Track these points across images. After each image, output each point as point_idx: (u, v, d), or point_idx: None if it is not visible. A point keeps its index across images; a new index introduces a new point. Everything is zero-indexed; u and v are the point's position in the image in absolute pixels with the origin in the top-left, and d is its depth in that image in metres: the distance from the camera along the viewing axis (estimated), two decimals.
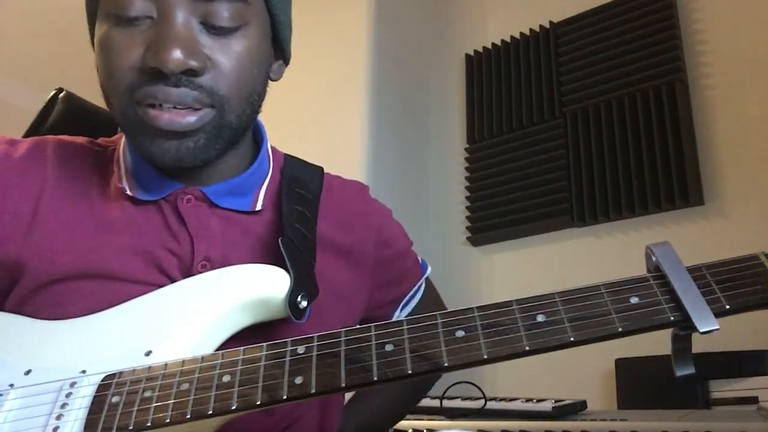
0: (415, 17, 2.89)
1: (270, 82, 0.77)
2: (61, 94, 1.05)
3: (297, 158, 0.87)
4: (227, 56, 0.67)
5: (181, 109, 0.65)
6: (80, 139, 0.81)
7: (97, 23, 0.69)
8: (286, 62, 0.79)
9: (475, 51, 2.79)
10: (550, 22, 2.60)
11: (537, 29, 2.63)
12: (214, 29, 0.66)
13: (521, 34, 2.67)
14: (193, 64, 0.64)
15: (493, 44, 2.74)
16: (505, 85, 2.66)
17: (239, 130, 0.72)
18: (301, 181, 0.82)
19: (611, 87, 2.36)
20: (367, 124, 2.51)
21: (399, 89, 2.72)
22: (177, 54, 0.63)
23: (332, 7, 2.68)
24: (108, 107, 0.71)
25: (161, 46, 0.63)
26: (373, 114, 2.54)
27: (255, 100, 0.72)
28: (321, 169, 0.87)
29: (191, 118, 0.66)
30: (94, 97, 1.10)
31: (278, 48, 0.76)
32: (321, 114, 2.54)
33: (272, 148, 0.85)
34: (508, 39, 2.71)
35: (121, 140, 0.79)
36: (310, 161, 0.88)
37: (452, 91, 2.86)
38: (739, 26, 2.22)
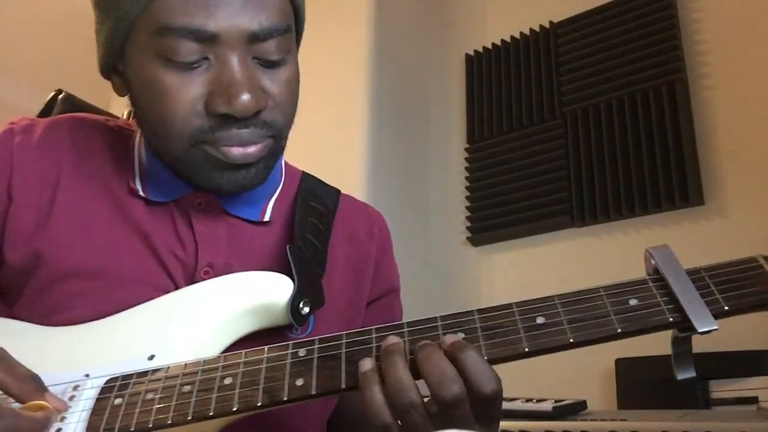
0: (415, 17, 2.89)
1: None
2: (61, 96, 1.06)
3: (314, 177, 0.88)
4: (280, 87, 0.69)
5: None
6: (97, 118, 0.81)
7: (139, 58, 0.67)
8: None
9: (475, 51, 2.79)
10: (550, 22, 2.60)
11: (537, 29, 2.63)
12: (267, 63, 0.67)
13: (521, 34, 2.67)
14: (261, 104, 0.66)
15: (493, 44, 2.74)
16: (505, 85, 2.66)
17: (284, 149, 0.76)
18: (316, 197, 0.82)
19: (611, 87, 2.36)
20: (367, 124, 2.52)
21: (399, 89, 2.72)
22: (247, 98, 0.64)
23: (332, 7, 2.68)
24: (155, 143, 0.72)
25: (231, 93, 0.64)
26: (373, 114, 2.54)
27: (294, 118, 0.74)
28: (338, 190, 0.88)
29: (256, 149, 0.68)
30: (93, 98, 1.11)
31: None
32: (321, 114, 2.54)
33: (288, 164, 0.87)
34: (508, 39, 2.71)
35: (137, 134, 0.79)
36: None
37: (452, 91, 2.86)
38: (739, 26, 2.22)
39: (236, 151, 0.67)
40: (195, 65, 0.65)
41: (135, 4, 0.64)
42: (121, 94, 0.74)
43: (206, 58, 0.65)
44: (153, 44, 0.64)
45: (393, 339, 0.57)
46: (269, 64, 0.68)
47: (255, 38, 0.65)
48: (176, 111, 0.65)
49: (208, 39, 0.64)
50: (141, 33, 0.65)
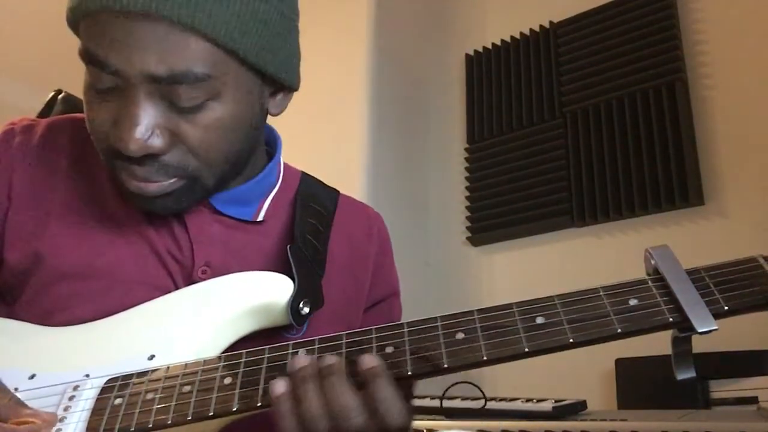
0: (415, 17, 2.89)
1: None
2: (60, 95, 1.06)
3: (314, 177, 0.87)
4: (195, 131, 0.65)
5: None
6: None
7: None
8: (293, 89, 0.76)
9: (475, 51, 2.79)
10: (550, 22, 2.60)
11: (537, 29, 2.63)
12: (178, 109, 0.64)
13: (521, 34, 2.67)
14: (154, 147, 0.63)
15: (493, 44, 2.74)
16: (505, 85, 2.66)
17: (221, 182, 0.72)
18: (316, 197, 0.82)
19: (611, 87, 2.36)
20: (367, 124, 2.52)
21: (399, 89, 2.72)
22: (136, 137, 0.62)
23: (332, 7, 2.68)
24: None
25: (122, 130, 0.63)
26: (373, 114, 2.54)
27: (238, 154, 0.71)
28: (337, 190, 0.87)
29: (159, 185, 0.66)
30: None
31: (276, 83, 0.72)
32: (321, 114, 2.55)
33: (287, 165, 0.86)
34: (508, 39, 2.71)
35: None
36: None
37: (452, 91, 2.86)
38: (739, 26, 2.22)
39: (134, 184, 0.66)
40: (109, 91, 0.64)
41: (72, 22, 0.66)
42: None
43: (120, 87, 0.63)
44: (85, 61, 0.65)
45: (300, 362, 0.55)
46: (183, 110, 0.64)
47: (158, 81, 0.62)
48: (93, 129, 0.67)
49: (113, 72, 0.62)
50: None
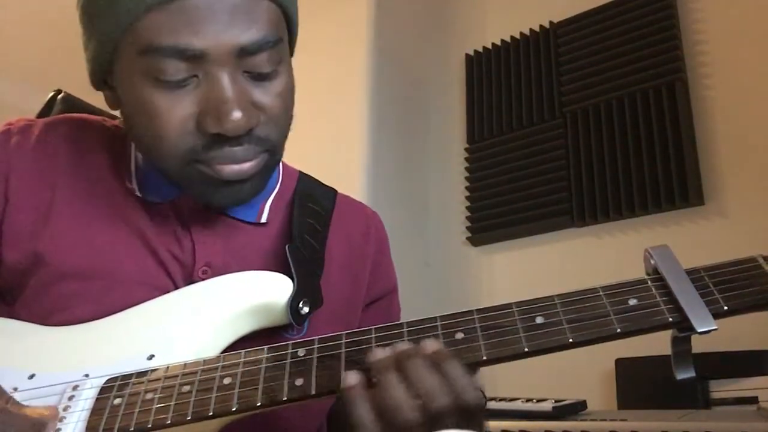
0: (415, 17, 2.89)
1: None
2: (60, 96, 1.05)
3: (311, 177, 0.87)
4: (273, 100, 0.67)
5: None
6: (94, 119, 0.81)
7: (127, 77, 0.65)
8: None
9: (475, 51, 2.79)
10: (550, 22, 2.60)
11: (537, 29, 2.63)
12: (259, 76, 0.65)
13: (521, 34, 2.67)
14: (253, 120, 0.65)
15: (493, 44, 2.74)
16: (505, 85, 2.66)
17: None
18: (313, 198, 0.82)
19: (611, 87, 2.36)
20: (367, 124, 2.52)
21: (399, 89, 2.72)
22: (238, 117, 0.62)
23: (332, 7, 2.69)
24: (150, 159, 0.71)
25: (221, 112, 0.62)
26: (373, 114, 2.54)
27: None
28: (334, 190, 0.87)
29: (251, 165, 0.67)
30: (92, 98, 1.11)
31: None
32: (321, 114, 2.55)
33: (285, 164, 0.86)
34: (508, 39, 2.71)
35: None
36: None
37: (452, 91, 2.86)
38: (739, 26, 2.22)
39: (230, 169, 0.66)
40: (184, 83, 0.63)
41: (117, 26, 0.63)
42: (113, 107, 0.72)
43: (195, 76, 0.63)
44: (140, 64, 0.63)
45: (379, 354, 0.55)
46: (261, 78, 0.65)
47: (244, 52, 0.63)
48: (167, 131, 0.64)
49: (195, 57, 0.61)
50: (127, 53, 0.64)
